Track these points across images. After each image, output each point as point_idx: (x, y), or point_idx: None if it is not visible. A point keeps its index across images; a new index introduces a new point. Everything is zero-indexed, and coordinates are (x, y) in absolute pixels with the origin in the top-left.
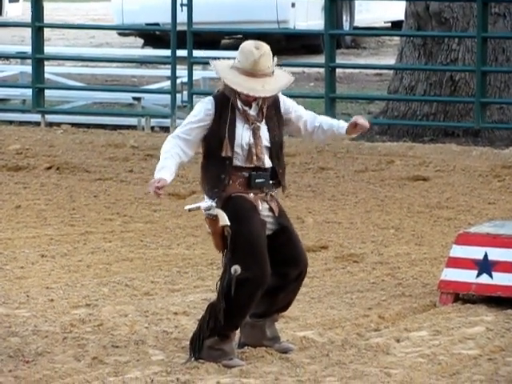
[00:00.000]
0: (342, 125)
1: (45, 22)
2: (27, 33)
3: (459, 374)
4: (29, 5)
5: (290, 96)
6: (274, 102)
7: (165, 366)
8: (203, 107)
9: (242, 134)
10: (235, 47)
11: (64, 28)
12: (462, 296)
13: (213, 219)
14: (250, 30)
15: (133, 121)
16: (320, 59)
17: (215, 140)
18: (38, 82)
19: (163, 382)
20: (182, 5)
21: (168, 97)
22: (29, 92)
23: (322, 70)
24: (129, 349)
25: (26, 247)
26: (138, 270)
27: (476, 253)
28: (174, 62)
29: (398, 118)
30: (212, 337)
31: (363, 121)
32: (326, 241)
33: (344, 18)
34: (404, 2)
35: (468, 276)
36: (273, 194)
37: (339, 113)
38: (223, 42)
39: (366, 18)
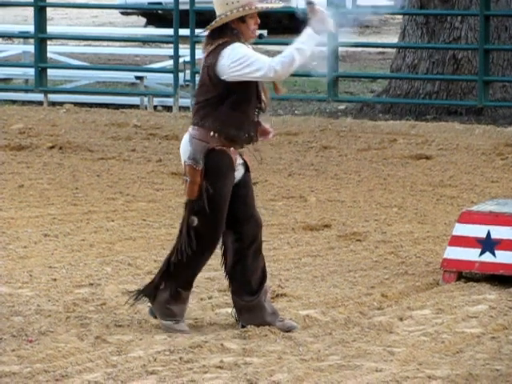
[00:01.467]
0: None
1: (47, 1)
2: (30, 12)
3: (462, 353)
4: None
5: (293, 75)
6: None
7: (168, 345)
8: (244, 46)
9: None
10: None
11: (67, 7)
12: (465, 274)
13: (194, 168)
14: None
15: (135, 100)
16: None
17: (248, 86)
18: (41, 61)
19: (166, 360)
20: None
21: (171, 76)
22: (32, 71)
23: (324, 49)
24: (132, 328)
25: (28, 226)
26: (140, 249)
27: (479, 231)
28: (176, 40)
29: (400, 96)
30: (164, 291)
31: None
32: (328, 219)
33: None
34: None
35: (471, 254)
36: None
37: (342, 91)
38: None
39: None
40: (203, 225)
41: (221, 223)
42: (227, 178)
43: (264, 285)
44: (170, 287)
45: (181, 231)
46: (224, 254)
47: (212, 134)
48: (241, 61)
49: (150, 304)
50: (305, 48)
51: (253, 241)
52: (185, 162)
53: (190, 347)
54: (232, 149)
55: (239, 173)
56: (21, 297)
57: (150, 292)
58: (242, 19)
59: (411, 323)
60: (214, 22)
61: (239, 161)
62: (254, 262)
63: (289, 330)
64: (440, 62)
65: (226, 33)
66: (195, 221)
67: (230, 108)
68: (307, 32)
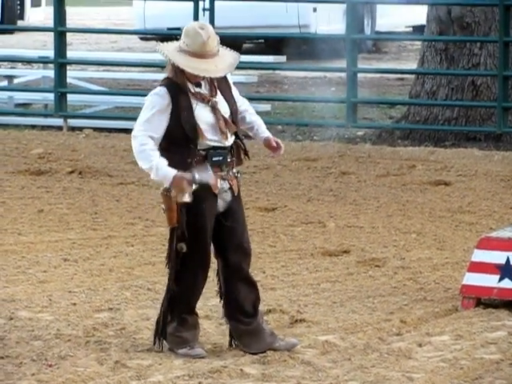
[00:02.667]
0: (261, 131)
1: (67, 26)
2: (49, 37)
3: (481, 379)
4: (51, 9)
5: (312, 100)
6: (222, 78)
7: (187, 370)
8: (158, 100)
9: (203, 114)
10: (257, 52)
11: (86, 32)
12: (484, 300)
13: (167, 196)
14: (271, 34)
15: None
16: (342, 64)
17: (178, 128)
18: (61, 86)
19: None
20: (204, 9)
21: None
22: (51, 96)
23: (343, 75)
24: (151, 353)
25: (48, 251)
26: (160, 274)
27: (498, 257)
28: None
29: (419, 122)
30: (172, 322)
31: (279, 146)
32: (347, 245)
33: (365, 22)
34: (426, 7)
35: (490, 280)
36: (234, 172)
37: (361, 117)
38: (245, 46)
39: (387, 23)
40: (189, 250)
41: (204, 247)
42: (205, 203)
43: (259, 308)
44: (175, 316)
45: (168, 258)
46: (218, 280)
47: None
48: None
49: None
50: (149, 168)
51: (238, 269)
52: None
53: (209, 372)
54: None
55: (226, 198)
56: (40, 321)
57: (161, 330)
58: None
59: (430, 349)
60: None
61: (224, 186)
62: (244, 288)
63: (292, 347)
64: (459, 89)
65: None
66: (184, 247)
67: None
68: (165, 170)
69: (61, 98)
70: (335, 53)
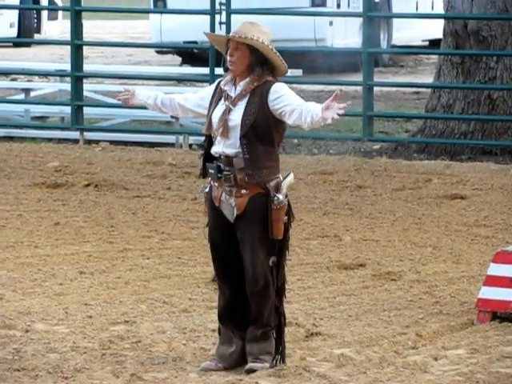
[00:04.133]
0: (318, 110)
1: (83, 39)
2: (66, 51)
3: None
4: (67, 23)
5: None
6: (262, 90)
7: (202, 383)
8: (211, 86)
9: (216, 113)
10: None
11: (103, 46)
12: (500, 314)
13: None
14: (287, 47)
15: (171, 138)
16: (358, 77)
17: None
18: (77, 99)
19: None
20: (220, 23)
21: None
22: (68, 109)
23: (359, 88)
24: (167, 365)
25: (64, 264)
26: (175, 287)
27: None
28: (212, 79)
29: (435, 136)
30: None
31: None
32: (363, 259)
33: (381, 36)
34: (442, 21)
35: (506, 294)
36: (245, 192)
37: (377, 131)
38: None
39: (403, 37)
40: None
41: (215, 257)
42: (209, 214)
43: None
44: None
45: None
46: None
47: None
48: None
49: None
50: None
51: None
52: None
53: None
54: (215, 184)
55: (228, 212)
56: (56, 334)
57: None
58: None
59: (446, 363)
60: None
61: (228, 200)
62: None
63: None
64: (475, 102)
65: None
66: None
67: None
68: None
69: (77, 111)
70: (351, 66)
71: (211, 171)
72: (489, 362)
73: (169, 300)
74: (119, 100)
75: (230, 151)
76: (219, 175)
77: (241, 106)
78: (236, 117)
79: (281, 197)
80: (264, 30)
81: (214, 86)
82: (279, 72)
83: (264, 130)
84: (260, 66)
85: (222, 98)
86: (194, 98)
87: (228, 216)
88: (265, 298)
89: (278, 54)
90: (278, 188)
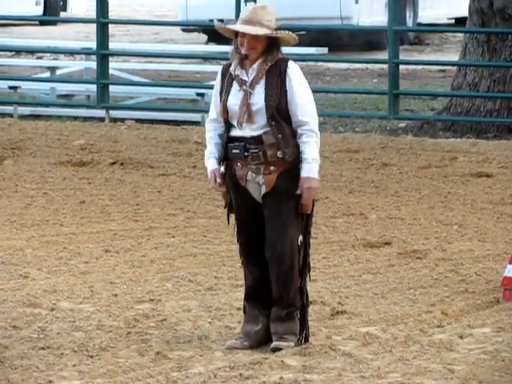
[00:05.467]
0: (303, 168)
1: (109, 18)
2: (92, 29)
3: None
4: (93, 1)
5: (353, 92)
6: (278, 70)
7: (228, 362)
8: (217, 77)
9: (233, 98)
10: (299, 43)
11: (128, 24)
12: None
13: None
14: (313, 25)
15: (196, 116)
16: (383, 55)
17: (218, 105)
18: (103, 77)
19: (226, 377)
20: (246, 0)
21: None
22: (93, 88)
23: (385, 66)
24: (192, 344)
25: (90, 242)
26: (201, 266)
27: None
28: None
29: (461, 114)
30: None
31: (306, 200)
32: (389, 237)
33: (407, 14)
34: None
35: None
36: (266, 168)
37: (402, 109)
38: None
39: (429, 15)
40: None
41: (241, 236)
42: (233, 194)
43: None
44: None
45: None
46: None
47: None
48: None
49: None
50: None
51: (269, 264)
52: None
53: (250, 364)
54: (238, 164)
55: (254, 191)
56: (82, 312)
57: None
58: (236, 34)
59: (471, 341)
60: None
61: (255, 178)
62: (271, 279)
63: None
64: (501, 80)
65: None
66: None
67: None
68: (207, 163)
69: (103, 89)
70: (377, 44)
71: (235, 151)
72: None
73: (194, 278)
74: (217, 189)
75: (257, 133)
76: (246, 153)
77: (260, 89)
78: (258, 100)
79: None
80: (272, 10)
81: (218, 76)
82: (288, 44)
83: (287, 109)
84: (274, 48)
85: (235, 84)
86: (214, 117)
87: (254, 194)
88: (290, 278)
89: (288, 32)
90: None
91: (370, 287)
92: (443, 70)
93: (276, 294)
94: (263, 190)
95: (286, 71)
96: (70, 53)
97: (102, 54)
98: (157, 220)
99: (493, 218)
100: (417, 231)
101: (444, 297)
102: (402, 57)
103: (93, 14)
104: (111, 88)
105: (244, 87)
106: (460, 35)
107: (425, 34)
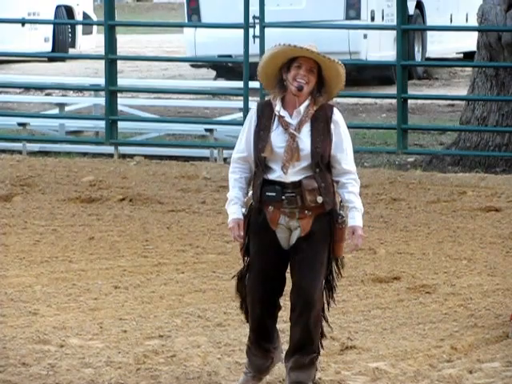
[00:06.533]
0: (350, 216)
1: (118, 54)
2: (100, 65)
3: None
4: (102, 37)
5: (362, 127)
6: (324, 116)
7: None
8: (248, 117)
9: (277, 139)
10: None
11: (137, 60)
12: None
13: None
14: None
15: (205, 152)
16: (392, 90)
17: (255, 147)
18: (112, 113)
19: None
20: (254, 36)
21: (240, 128)
22: (102, 124)
23: (394, 101)
24: (202, 380)
25: (99, 278)
26: (210, 301)
27: None
28: (246, 93)
29: (470, 148)
30: None
31: (356, 242)
32: (398, 272)
33: (416, 48)
34: (476, 33)
35: None
36: (301, 212)
37: (411, 144)
38: None
39: (437, 49)
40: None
41: (254, 280)
42: (257, 234)
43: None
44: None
45: None
46: None
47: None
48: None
49: None
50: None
51: (293, 309)
52: None
53: None
54: (270, 207)
55: (283, 235)
56: (91, 348)
57: None
58: (288, 68)
59: (481, 376)
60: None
61: (288, 222)
62: (296, 334)
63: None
64: (510, 114)
65: (275, 85)
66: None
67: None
68: (229, 210)
69: (112, 125)
70: (386, 79)
71: (271, 194)
72: None
73: (203, 314)
74: (239, 240)
75: (298, 178)
76: (283, 197)
77: (306, 134)
78: (304, 146)
79: (344, 215)
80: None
81: (253, 115)
82: (332, 94)
83: (330, 157)
84: (321, 89)
85: (278, 125)
86: (249, 159)
87: (282, 240)
88: (317, 324)
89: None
90: (339, 206)
91: (379, 322)
92: (452, 105)
93: (299, 342)
94: (297, 234)
95: (332, 117)
96: (79, 89)
97: (111, 90)
98: (166, 256)
99: (502, 252)
100: (426, 266)
101: (453, 331)
102: (410, 91)
103: (101, 51)
104: (120, 124)
105: (291, 130)
106: (468, 69)
107: (433, 68)
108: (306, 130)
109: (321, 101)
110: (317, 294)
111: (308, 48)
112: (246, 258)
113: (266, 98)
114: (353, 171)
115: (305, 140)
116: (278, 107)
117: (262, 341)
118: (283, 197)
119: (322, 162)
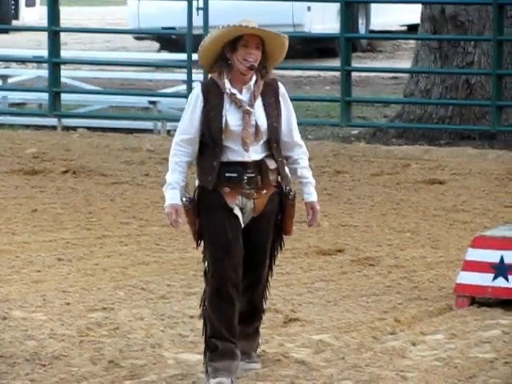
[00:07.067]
0: (306, 191)
1: (61, 26)
2: (43, 37)
3: (475, 378)
4: (45, 9)
5: (306, 99)
6: (272, 91)
7: (181, 370)
8: (192, 97)
9: (232, 118)
10: None
11: (80, 32)
12: (478, 299)
13: (187, 209)
14: None
15: (149, 124)
16: (336, 63)
17: (206, 128)
18: (55, 86)
19: None
20: (198, 9)
21: (184, 100)
22: (45, 96)
23: (337, 74)
24: (145, 352)
25: (42, 251)
26: (153, 274)
27: (492, 256)
28: (189, 65)
29: (413, 121)
30: (208, 350)
31: (316, 218)
32: (341, 244)
33: (360, 21)
34: (420, 6)
35: (484, 279)
36: (265, 192)
37: (355, 116)
38: None
39: (381, 22)
40: (208, 268)
41: (219, 264)
42: (216, 215)
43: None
44: (206, 341)
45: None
46: None
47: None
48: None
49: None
50: (166, 179)
51: (245, 292)
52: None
53: (203, 372)
54: (226, 189)
55: (246, 216)
56: (34, 321)
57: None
58: (233, 47)
59: (424, 348)
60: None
61: (245, 203)
62: (243, 309)
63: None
64: (453, 87)
65: (218, 64)
66: (206, 263)
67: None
68: (166, 195)
69: (55, 97)
70: (329, 52)
71: (232, 175)
72: (467, 347)
73: (147, 286)
74: (174, 226)
75: (259, 157)
76: (244, 177)
77: (259, 109)
78: (261, 121)
79: (294, 190)
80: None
81: (199, 95)
82: (273, 66)
83: (280, 131)
84: (265, 63)
85: (229, 103)
86: (194, 142)
87: (240, 217)
88: (263, 296)
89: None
90: (287, 183)
91: (322, 294)
92: (395, 77)
93: (244, 314)
94: (251, 214)
95: (279, 91)
96: (22, 61)
97: (54, 62)
98: (109, 228)
99: (445, 224)
100: (369, 238)
101: (397, 304)
102: (354, 64)
103: (44, 23)
104: (63, 96)
105: (247, 107)
106: (412, 42)
107: (377, 40)
108: (259, 105)
109: (267, 75)
110: (265, 272)
111: (255, 26)
112: (199, 242)
113: (209, 77)
114: (303, 144)
115: (260, 116)
116: (227, 85)
117: (228, 336)
118: (245, 177)
119: (278, 137)
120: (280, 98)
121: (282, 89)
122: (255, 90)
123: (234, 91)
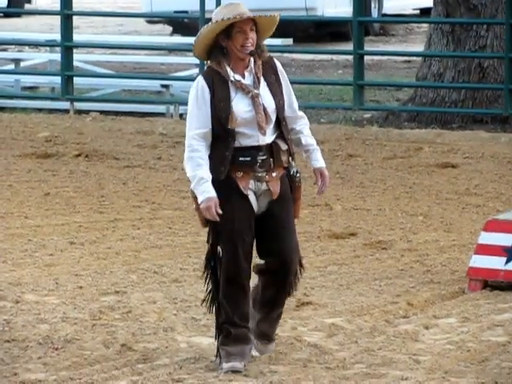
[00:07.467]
0: (313, 158)
1: (74, 9)
2: (56, 21)
3: (488, 361)
4: None
5: (319, 83)
6: (271, 69)
7: (193, 353)
8: (197, 90)
9: (241, 105)
10: None
11: (93, 16)
12: (491, 283)
13: (194, 196)
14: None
15: (161, 108)
16: (348, 46)
17: (215, 120)
18: (67, 69)
19: (192, 368)
20: None
21: None
22: (58, 80)
23: (350, 57)
24: (157, 336)
25: (55, 234)
26: (166, 257)
27: (505, 240)
28: None
29: (426, 105)
30: (220, 333)
31: (324, 183)
32: (354, 228)
33: (372, 5)
34: None
35: (497, 263)
36: (277, 174)
37: (367, 100)
38: None
39: (394, 5)
40: (222, 255)
41: (234, 252)
42: (232, 204)
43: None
44: (219, 327)
45: (206, 261)
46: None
47: None
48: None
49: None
50: (192, 176)
51: (270, 271)
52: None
53: (215, 356)
54: (239, 173)
55: (263, 200)
56: (47, 304)
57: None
58: (227, 35)
59: (437, 331)
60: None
61: (259, 187)
62: (271, 285)
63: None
64: (466, 71)
65: (214, 54)
66: (221, 251)
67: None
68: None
69: (67, 81)
70: (342, 35)
71: (245, 158)
72: (480, 330)
73: (159, 270)
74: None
75: (269, 138)
76: (258, 160)
77: (265, 90)
78: (269, 102)
79: (299, 171)
80: None
81: (204, 87)
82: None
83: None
84: (259, 42)
85: (235, 90)
86: (206, 128)
87: (255, 205)
88: (293, 283)
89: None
90: (291, 164)
91: (335, 278)
92: (408, 61)
93: (273, 298)
94: (267, 197)
95: (277, 67)
96: (35, 45)
97: (67, 46)
98: (122, 212)
99: (458, 208)
100: (382, 222)
101: (409, 287)
102: (367, 48)
103: (57, 6)
104: (76, 80)
105: (255, 91)
106: (425, 26)
107: (390, 24)
108: (263, 86)
109: (263, 54)
110: (295, 255)
111: (246, 11)
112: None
113: (206, 67)
114: (304, 115)
115: (266, 97)
116: (230, 73)
117: (241, 322)
118: (259, 159)
119: (284, 114)
120: (279, 74)
121: (279, 65)
122: (257, 72)
123: (238, 77)
